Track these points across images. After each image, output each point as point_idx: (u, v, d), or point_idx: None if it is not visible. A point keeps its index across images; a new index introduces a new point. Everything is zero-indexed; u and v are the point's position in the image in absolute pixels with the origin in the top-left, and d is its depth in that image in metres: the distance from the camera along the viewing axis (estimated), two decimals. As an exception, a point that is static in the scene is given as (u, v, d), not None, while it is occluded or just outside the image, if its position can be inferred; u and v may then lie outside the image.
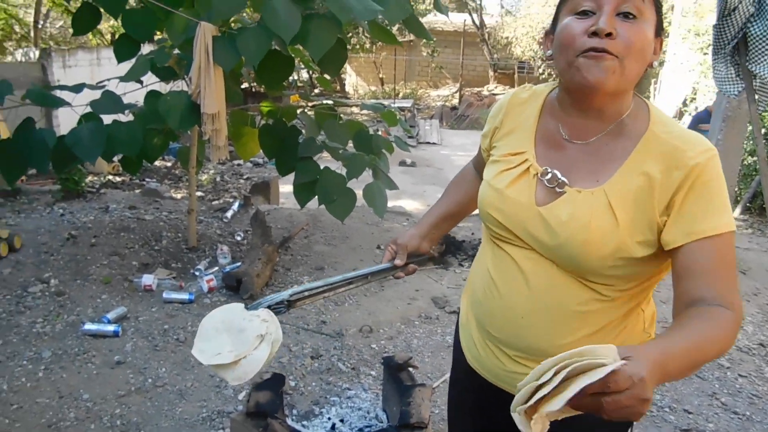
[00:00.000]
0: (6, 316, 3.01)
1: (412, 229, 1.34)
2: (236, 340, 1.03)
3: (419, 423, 1.99)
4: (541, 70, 14.83)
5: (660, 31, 0.96)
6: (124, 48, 3.29)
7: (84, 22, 3.35)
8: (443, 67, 17.75)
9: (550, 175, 1.01)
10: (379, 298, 3.49)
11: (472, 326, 1.18)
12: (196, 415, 2.38)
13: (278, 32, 2.79)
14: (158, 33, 3.85)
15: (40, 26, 9.98)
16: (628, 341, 1.03)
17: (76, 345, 2.79)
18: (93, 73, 8.27)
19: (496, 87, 16.57)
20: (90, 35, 11.63)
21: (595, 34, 0.90)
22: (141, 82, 3.28)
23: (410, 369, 2.34)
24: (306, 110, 4.12)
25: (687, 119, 9.46)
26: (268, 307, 1.10)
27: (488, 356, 1.13)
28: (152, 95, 3.20)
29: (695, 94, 9.26)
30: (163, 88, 3.60)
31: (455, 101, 15.50)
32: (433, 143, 10.91)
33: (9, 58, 11.14)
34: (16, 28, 10.97)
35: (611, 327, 1.01)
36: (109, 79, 3.30)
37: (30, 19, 11.76)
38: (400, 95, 16.07)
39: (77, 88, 3.07)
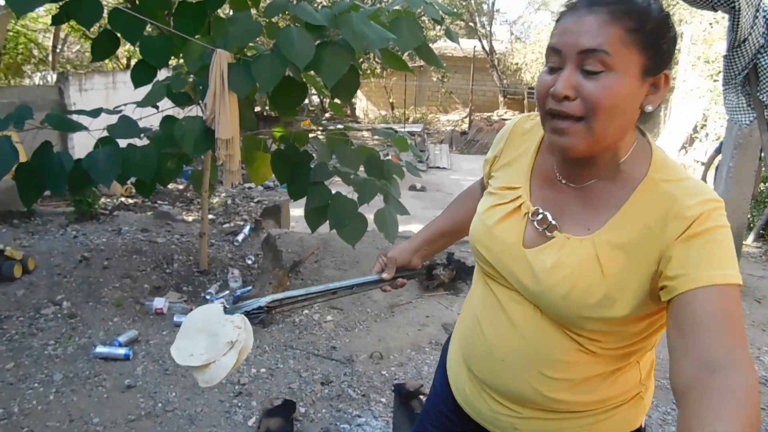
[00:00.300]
0: (19, 337, 3.02)
1: (405, 243, 1.31)
2: (210, 343, 1.05)
3: (430, 453, 1.97)
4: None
5: (654, 70, 0.86)
6: (141, 73, 3.35)
7: (103, 48, 3.42)
8: (453, 92, 17.89)
9: (540, 217, 0.97)
10: (389, 324, 3.47)
11: (460, 362, 1.14)
12: (206, 441, 2.36)
13: (293, 60, 2.84)
14: (173, 59, 3.93)
15: (58, 50, 10.20)
16: (619, 394, 0.99)
17: (87, 368, 2.79)
18: (108, 97, 8.40)
19: (505, 112, 16.65)
20: (106, 59, 11.85)
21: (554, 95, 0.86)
22: (157, 107, 3.34)
23: (421, 396, 2.32)
24: (318, 135, 4.17)
25: (698, 146, 9.46)
26: (247, 312, 1.11)
27: (473, 394, 1.09)
28: (168, 120, 3.25)
29: (706, 120, 9.27)
30: (176, 112, 3.66)
31: (465, 126, 15.58)
32: (443, 168, 10.95)
33: (26, 81, 11.36)
34: (35, 52, 11.22)
35: (598, 379, 0.97)
36: (125, 104, 3.36)
37: (47, 43, 12.02)
38: (410, 120, 16.18)
39: (95, 113, 3.12)
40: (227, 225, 5.79)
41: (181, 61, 3.83)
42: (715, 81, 8.59)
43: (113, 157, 3.01)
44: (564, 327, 0.94)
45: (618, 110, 0.84)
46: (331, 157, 3.88)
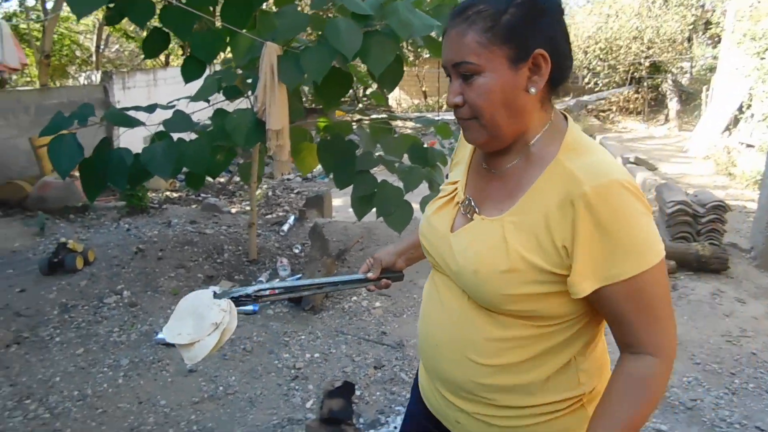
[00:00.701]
0: (86, 325, 3.17)
1: (391, 247, 1.34)
2: (197, 324, 1.12)
3: None
4: (587, 80, 14.64)
5: (524, 56, 0.89)
6: (191, 69, 3.44)
7: (154, 45, 3.54)
8: (486, 79, 17.70)
9: (467, 203, 1.02)
10: (437, 310, 3.51)
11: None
12: (267, 422, 2.45)
13: (341, 49, 2.88)
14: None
15: (101, 51, 10.50)
16: (557, 389, 0.98)
17: (151, 353, 2.92)
18: (150, 94, 8.62)
19: (540, 98, 16.41)
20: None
21: None
22: (208, 101, 3.43)
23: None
24: (360, 125, 4.21)
25: (743, 126, 9.18)
26: (234, 298, 1.17)
27: (427, 385, 1.12)
28: (219, 113, 3.34)
29: (751, 100, 8.99)
30: (215, 106, 3.74)
31: (499, 113, 15.43)
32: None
33: (70, 82, 11.72)
34: (77, 53, 11.57)
35: (526, 366, 0.96)
36: (178, 99, 3.46)
37: (88, 44, 12.37)
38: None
39: (150, 108, 3.23)
40: (270, 216, 5.91)
41: (228, 55, 3.92)
42: (762, 59, 8.31)
43: (170, 151, 3.12)
44: (488, 309, 0.96)
45: (497, 105, 0.90)
46: (375, 146, 3.93)
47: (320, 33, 3.18)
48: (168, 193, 7.17)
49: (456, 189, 1.07)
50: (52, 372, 2.75)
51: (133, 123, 3.10)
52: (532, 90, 0.90)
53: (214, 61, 4.05)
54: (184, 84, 3.33)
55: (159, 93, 8.48)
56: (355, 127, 4.10)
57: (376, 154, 3.83)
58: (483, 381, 0.98)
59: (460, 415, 1.04)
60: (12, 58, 5.51)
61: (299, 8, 4.42)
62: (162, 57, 11.53)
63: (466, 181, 1.06)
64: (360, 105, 14.63)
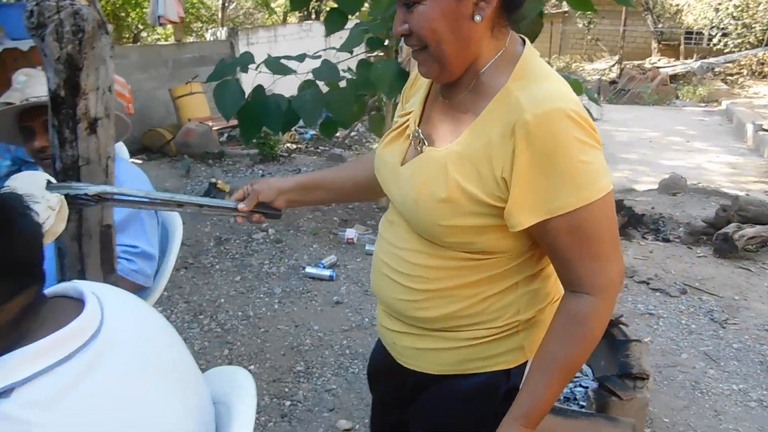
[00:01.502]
0: (239, 257, 3.50)
1: (276, 180, 1.21)
2: None
3: (641, 374, 2.06)
4: (716, 40, 13.52)
5: None
6: (334, 21, 3.58)
7: (301, -2, 3.71)
8: (599, 39, 16.82)
9: (416, 134, 0.99)
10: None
11: None
12: (412, 352, 2.63)
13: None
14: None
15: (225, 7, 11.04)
16: (484, 317, 0.98)
17: (300, 285, 3.18)
18: (270, 49, 8.95)
19: (659, 59, 15.39)
20: (267, 14, 12.60)
21: None
22: (351, 52, 3.57)
23: (621, 326, 2.40)
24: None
25: None
26: (69, 195, 1.02)
27: (379, 313, 1.14)
28: (363, 64, 3.48)
29: None
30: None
31: (612, 75, 14.67)
32: (594, 119, 10.49)
33: (191, 38, 12.41)
34: (202, 11, 12.22)
35: (461, 293, 0.96)
36: (324, 49, 3.63)
37: (209, 3, 12.98)
38: (554, 69, 15.54)
39: (300, 58, 3.42)
40: (388, 169, 6.08)
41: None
42: None
43: (317, 99, 3.31)
44: (429, 239, 0.96)
45: (442, 33, 0.86)
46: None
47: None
48: (288, 144, 7.52)
49: (407, 120, 1.04)
50: (217, 294, 3.08)
51: (287, 71, 3.30)
52: (477, 18, 0.86)
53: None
54: (304, 40, 3.49)
55: (279, 48, 8.80)
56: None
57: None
58: (416, 305, 1.00)
59: (396, 335, 1.07)
60: (172, 12, 5.96)
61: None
62: (281, 15, 11.92)
63: (421, 112, 1.03)
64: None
